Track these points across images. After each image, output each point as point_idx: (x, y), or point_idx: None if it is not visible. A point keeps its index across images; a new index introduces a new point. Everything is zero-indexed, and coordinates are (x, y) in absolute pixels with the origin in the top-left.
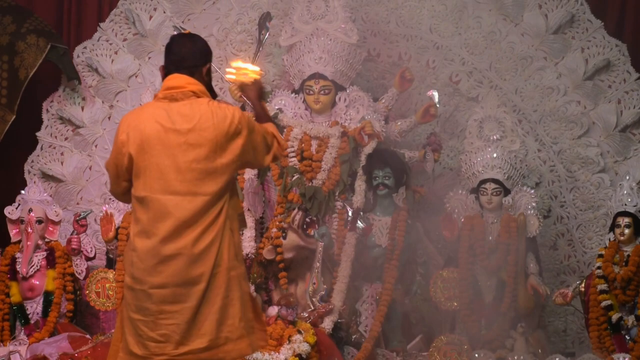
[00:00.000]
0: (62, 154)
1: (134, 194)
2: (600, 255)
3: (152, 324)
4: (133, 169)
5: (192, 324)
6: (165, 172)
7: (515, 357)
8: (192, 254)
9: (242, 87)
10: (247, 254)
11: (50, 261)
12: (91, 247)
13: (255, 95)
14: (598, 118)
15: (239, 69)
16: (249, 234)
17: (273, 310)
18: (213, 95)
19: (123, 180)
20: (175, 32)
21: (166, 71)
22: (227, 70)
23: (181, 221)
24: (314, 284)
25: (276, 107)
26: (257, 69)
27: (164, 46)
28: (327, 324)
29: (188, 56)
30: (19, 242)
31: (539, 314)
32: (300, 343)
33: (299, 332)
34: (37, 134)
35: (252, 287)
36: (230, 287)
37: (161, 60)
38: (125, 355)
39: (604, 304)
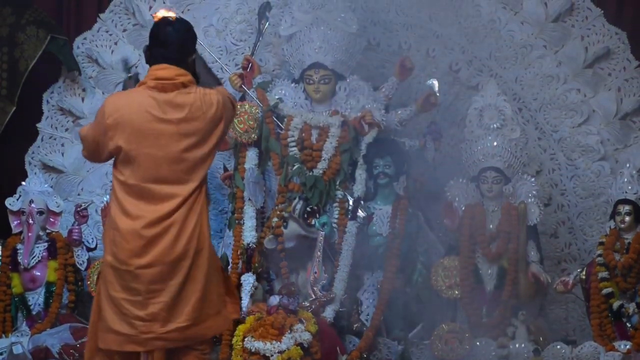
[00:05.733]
0: (62, 145)
1: (120, 179)
2: (601, 243)
3: (139, 304)
4: (120, 157)
5: (177, 301)
6: (157, 163)
7: (517, 345)
8: (177, 233)
9: None
10: (249, 244)
11: (52, 252)
12: (92, 238)
13: None
14: (598, 106)
15: None
16: (250, 223)
17: (274, 300)
18: (197, 79)
19: (103, 157)
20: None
21: (152, 58)
22: None
23: (173, 207)
24: (315, 273)
25: (276, 97)
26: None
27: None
28: (329, 313)
29: (174, 48)
30: (20, 233)
31: (540, 301)
32: (302, 332)
33: (301, 321)
34: (38, 125)
35: (254, 277)
36: (211, 263)
37: None
38: (108, 335)
39: (605, 291)
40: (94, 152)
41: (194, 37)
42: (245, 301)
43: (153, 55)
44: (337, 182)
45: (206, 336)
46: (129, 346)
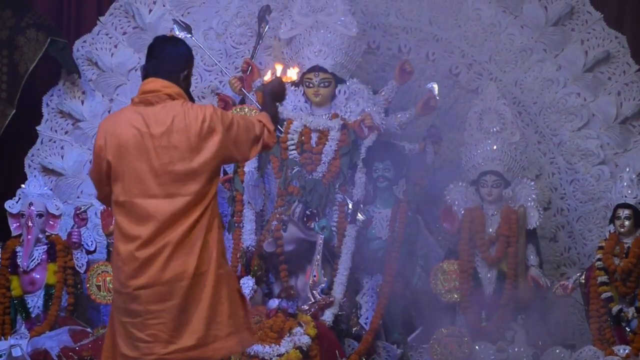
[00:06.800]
0: (62, 147)
1: (113, 199)
2: (601, 247)
3: (140, 325)
4: (111, 174)
5: (179, 322)
6: (142, 177)
7: (516, 349)
8: (171, 253)
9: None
10: (248, 247)
11: (51, 255)
12: (92, 241)
13: (272, 90)
14: (598, 110)
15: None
16: (249, 226)
17: (274, 303)
18: (190, 100)
19: (105, 185)
20: (174, 26)
21: (145, 73)
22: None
23: (161, 223)
24: (315, 276)
25: None
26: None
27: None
28: (328, 317)
29: (166, 61)
30: (20, 236)
31: (539, 306)
32: (301, 336)
33: (300, 324)
34: (37, 128)
35: (253, 280)
36: (218, 285)
37: None
38: (119, 359)
39: (604, 295)
40: (99, 182)
41: (189, 54)
42: None
43: (146, 70)
44: (337, 186)
45: (213, 358)
46: None
